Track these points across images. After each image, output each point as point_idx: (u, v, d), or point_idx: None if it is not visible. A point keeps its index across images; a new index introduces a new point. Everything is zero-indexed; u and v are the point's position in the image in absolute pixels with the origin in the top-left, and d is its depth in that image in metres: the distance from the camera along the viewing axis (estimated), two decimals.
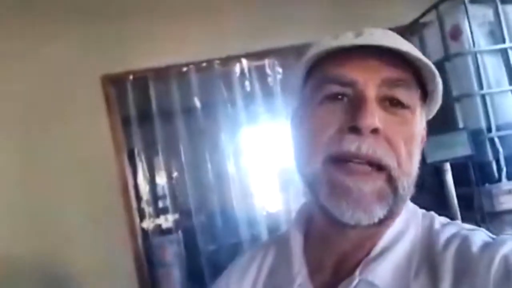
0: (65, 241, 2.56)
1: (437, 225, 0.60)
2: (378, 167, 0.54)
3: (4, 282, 2.27)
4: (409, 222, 0.61)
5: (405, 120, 0.56)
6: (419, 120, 0.58)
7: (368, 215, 0.54)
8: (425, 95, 0.59)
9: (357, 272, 0.57)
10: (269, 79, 2.76)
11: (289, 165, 2.89)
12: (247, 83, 2.75)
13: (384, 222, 0.56)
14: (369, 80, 0.54)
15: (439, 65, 1.83)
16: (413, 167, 0.57)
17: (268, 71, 2.75)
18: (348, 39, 0.56)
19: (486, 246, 0.53)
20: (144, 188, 2.84)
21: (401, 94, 0.55)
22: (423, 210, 0.64)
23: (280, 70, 2.75)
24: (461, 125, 1.88)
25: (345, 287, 0.57)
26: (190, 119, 2.83)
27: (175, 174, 3.16)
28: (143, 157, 2.82)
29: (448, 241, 0.56)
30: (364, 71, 0.55)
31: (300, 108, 0.63)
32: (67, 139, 2.59)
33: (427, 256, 0.56)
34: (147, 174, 2.83)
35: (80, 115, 2.61)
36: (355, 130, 0.53)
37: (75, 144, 2.59)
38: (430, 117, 0.63)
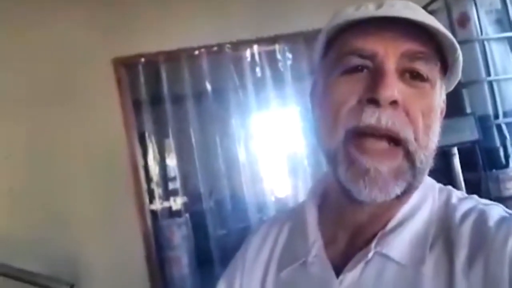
0: (74, 222, 2.60)
1: (454, 200, 0.60)
2: (396, 141, 0.53)
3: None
4: (426, 196, 0.60)
5: (424, 93, 0.55)
6: (439, 93, 0.58)
7: (384, 193, 0.54)
8: (445, 68, 0.58)
9: (372, 245, 0.57)
10: (280, 65, 2.77)
11: (298, 151, 2.91)
12: (257, 68, 2.75)
13: (401, 196, 0.56)
14: (389, 52, 0.54)
15: None
16: (431, 140, 0.56)
17: (278, 56, 2.75)
18: (369, 10, 0.55)
19: (502, 221, 0.53)
20: (154, 170, 2.87)
21: (421, 67, 0.54)
22: (441, 185, 0.64)
23: (290, 55, 2.75)
24: (468, 110, 1.88)
25: (360, 259, 0.57)
26: (200, 103, 2.85)
27: (185, 157, 3.20)
28: (153, 140, 2.85)
29: (465, 215, 0.56)
30: (384, 43, 0.54)
31: (319, 80, 0.62)
32: (79, 122, 2.62)
33: (443, 229, 0.56)
34: (157, 157, 2.86)
35: (91, 97, 2.63)
36: (374, 101, 0.52)
37: (87, 126, 2.62)
38: (450, 89, 0.62)
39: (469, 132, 1.85)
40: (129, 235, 2.68)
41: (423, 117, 0.54)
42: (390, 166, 0.53)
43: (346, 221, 0.61)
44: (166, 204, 2.91)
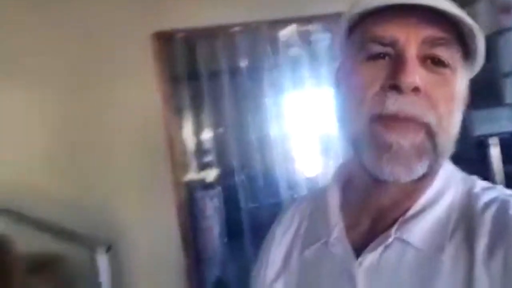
0: (111, 192, 2.73)
1: (477, 189, 0.60)
2: (419, 124, 0.54)
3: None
4: (449, 184, 0.61)
5: (446, 79, 0.55)
6: (460, 80, 0.58)
7: (407, 171, 0.54)
8: (467, 54, 0.58)
9: (392, 230, 0.58)
10: (315, 45, 2.74)
11: (330, 131, 2.91)
12: (292, 48, 2.74)
13: (423, 179, 0.57)
14: (410, 39, 0.54)
15: (490, 40, 1.76)
16: (453, 126, 0.57)
17: (314, 37, 2.72)
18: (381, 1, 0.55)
19: None
20: (189, 143, 2.96)
21: (442, 53, 0.55)
22: (464, 174, 0.64)
23: (326, 36, 2.71)
24: (508, 100, 1.82)
25: (380, 243, 0.58)
26: (235, 79, 2.88)
27: (219, 131, 3.26)
28: (189, 114, 2.91)
29: (487, 204, 0.56)
30: (405, 29, 0.54)
31: (342, 66, 0.63)
32: (117, 96, 2.70)
33: (465, 218, 0.57)
34: (193, 130, 2.93)
35: (130, 72, 2.70)
36: (396, 88, 0.53)
37: (125, 100, 2.70)
38: (472, 76, 0.62)
39: (508, 123, 1.80)
40: (164, 204, 2.78)
41: (446, 103, 0.55)
42: (413, 142, 0.54)
43: (368, 205, 0.62)
44: (200, 176, 3.00)
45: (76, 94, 2.71)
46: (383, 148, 0.54)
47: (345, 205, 0.67)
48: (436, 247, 0.56)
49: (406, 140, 0.54)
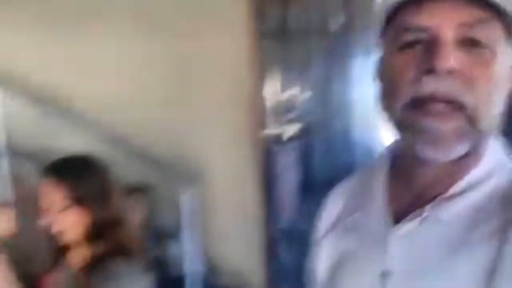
0: (197, 139, 2.88)
1: None
2: (457, 106, 0.55)
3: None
4: (497, 169, 0.61)
5: (484, 59, 0.55)
6: (502, 59, 0.57)
7: (447, 152, 0.56)
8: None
9: (427, 207, 0.60)
10: None
11: None
12: None
13: (466, 159, 0.58)
14: (444, 24, 0.54)
15: None
16: (494, 107, 0.57)
17: None
18: None
19: None
20: (272, 98, 3.00)
21: (479, 34, 0.55)
22: None
23: None
24: None
25: (416, 216, 0.61)
26: (325, 39, 2.85)
27: (303, 89, 3.26)
28: (275, 70, 2.94)
29: None
30: (439, 15, 0.55)
31: (381, 57, 0.65)
32: (206, 50, 2.78)
33: (502, 207, 0.57)
34: (277, 86, 2.96)
35: (219, 26, 2.77)
36: (432, 72, 0.54)
37: (214, 54, 2.78)
38: None
39: None
40: (244, 155, 2.91)
41: (484, 83, 0.55)
42: (451, 126, 0.55)
43: (412, 181, 0.64)
44: (280, 131, 3.05)
45: (166, 44, 2.80)
46: (422, 132, 0.56)
47: (391, 179, 0.69)
48: (468, 227, 0.57)
49: (444, 123, 0.54)
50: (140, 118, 2.84)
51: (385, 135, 2.99)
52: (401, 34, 0.58)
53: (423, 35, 0.56)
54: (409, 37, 0.57)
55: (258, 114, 2.92)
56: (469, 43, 0.55)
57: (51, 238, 1.31)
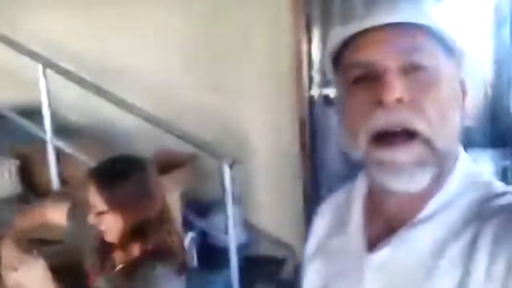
0: (238, 100, 2.87)
1: (492, 194, 0.59)
2: (413, 134, 0.55)
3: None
4: (466, 188, 0.60)
5: (430, 82, 0.56)
6: (448, 77, 0.58)
7: (414, 182, 0.56)
8: (451, 50, 0.59)
9: (397, 233, 0.60)
10: None
11: (478, 53, 2.57)
12: None
13: (434, 183, 0.58)
14: (386, 55, 0.56)
15: None
16: (449, 127, 0.57)
17: None
18: (354, 25, 0.58)
19: None
20: (316, 57, 2.84)
21: (421, 58, 0.56)
22: (487, 178, 0.63)
23: None
24: None
25: (386, 244, 0.61)
26: None
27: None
28: (318, 30, 2.78)
29: (494, 212, 0.55)
30: (380, 47, 0.56)
31: (337, 95, 0.66)
32: (247, 5, 2.72)
33: (472, 225, 0.56)
34: (320, 47, 2.80)
35: None
36: (381, 104, 0.54)
37: (254, 11, 2.72)
38: (463, 67, 0.62)
39: None
40: (287, 117, 2.87)
41: (435, 106, 0.55)
42: (412, 154, 0.55)
43: (384, 206, 0.64)
44: (323, 92, 2.90)
45: (211, 16, 2.83)
46: (386, 167, 0.56)
47: (368, 204, 0.69)
48: (436, 253, 0.56)
49: (403, 153, 0.55)
50: (183, 95, 2.92)
51: None
52: (349, 71, 0.59)
53: (369, 69, 0.57)
54: (357, 72, 0.58)
55: (301, 75, 2.82)
56: (413, 69, 0.56)
57: (97, 236, 1.35)
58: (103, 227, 1.30)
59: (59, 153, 2.57)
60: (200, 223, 2.62)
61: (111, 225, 1.29)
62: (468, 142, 2.30)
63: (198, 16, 2.86)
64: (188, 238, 2.09)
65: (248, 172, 2.88)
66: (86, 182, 1.31)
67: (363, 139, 0.58)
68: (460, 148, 0.64)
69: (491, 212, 0.56)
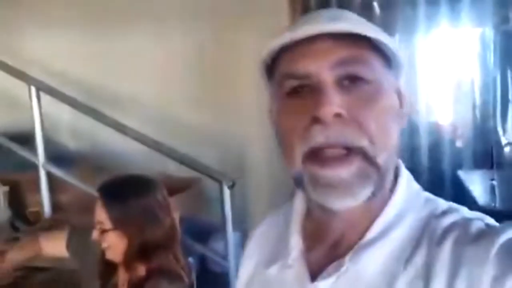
0: (239, 127, 2.89)
1: (438, 212, 0.57)
2: (352, 150, 0.52)
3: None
4: (410, 205, 0.58)
5: (369, 95, 0.53)
6: (387, 90, 0.56)
7: (353, 198, 0.53)
8: (389, 62, 0.57)
9: (346, 258, 0.56)
10: None
11: (466, 78, 2.67)
12: None
13: (374, 201, 0.55)
14: (322, 66, 0.53)
15: None
16: (390, 140, 0.55)
17: None
18: (291, 33, 0.55)
19: (482, 236, 0.51)
20: None
21: (359, 70, 0.53)
22: (428, 194, 0.61)
23: None
24: None
25: (333, 271, 0.56)
26: (366, 14, 2.70)
27: None
28: None
29: (446, 231, 0.54)
30: (316, 58, 0.53)
31: (272, 107, 0.62)
32: (243, 28, 2.77)
33: (423, 246, 0.54)
34: None
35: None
36: (318, 120, 0.51)
37: (251, 33, 2.72)
38: (400, 79, 0.60)
39: None
40: None
41: (376, 119, 0.53)
42: (351, 171, 0.52)
43: (325, 230, 0.61)
44: None
45: (209, 39, 2.86)
46: (324, 184, 0.53)
47: (306, 226, 0.65)
48: (389, 279, 0.53)
49: (343, 171, 0.52)
50: (181, 117, 2.91)
51: (434, 117, 2.85)
52: (283, 82, 0.56)
53: (304, 82, 0.54)
54: (292, 84, 0.55)
55: None
56: (352, 81, 0.53)
57: (100, 257, 1.34)
58: (105, 245, 1.29)
59: (51, 180, 2.51)
60: (200, 248, 2.56)
61: (115, 243, 1.28)
62: (458, 163, 2.35)
63: (197, 39, 2.89)
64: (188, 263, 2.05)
65: (247, 191, 2.86)
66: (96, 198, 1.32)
67: (298, 155, 0.54)
68: (401, 164, 0.62)
69: (442, 231, 0.54)
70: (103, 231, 1.27)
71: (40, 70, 2.73)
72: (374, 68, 0.55)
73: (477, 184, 2.50)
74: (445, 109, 2.79)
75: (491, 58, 2.67)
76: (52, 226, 2.28)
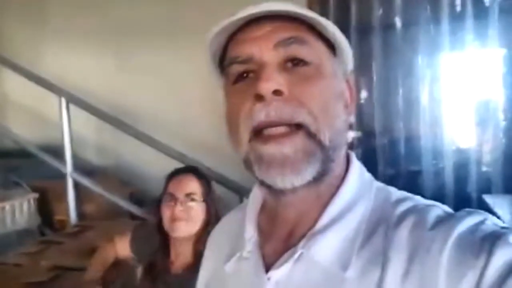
0: None
1: (393, 199, 0.57)
2: (295, 126, 0.53)
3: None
4: (362, 193, 0.58)
5: (310, 75, 0.55)
6: (331, 73, 0.57)
7: (298, 175, 0.53)
8: (335, 49, 0.59)
9: (300, 245, 0.56)
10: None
11: (492, 100, 2.64)
12: (457, 1, 2.49)
13: (323, 184, 0.56)
14: (263, 48, 0.54)
15: None
16: (334, 119, 0.55)
17: None
18: (227, 20, 0.56)
19: (441, 223, 0.51)
20: None
21: (299, 51, 0.55)
22: (380, 183, 0.61)
23: None
24: None
25: (287, 260, 0.56)
26: (387, 37, 2.73)
27: (364, 91, 3.15)
28: None
29: (402, 217, 0.54)
30: (257, 41, 0.55)
31: (223, 99, 0.63)
32: None
33: (377, 232, 0.54)
34: None
35: None
36: (259, 98, 0.53)
37: None
38: (350, 68, 0.62)
39: None
40: None
41: (316, 99, 0.54)
42: (295, 147, 0.53)
43: (279, 219, 0.61)
44: None
45: None
46: (268, 162, 0.53)
47: (261, 219, 0.66)
48: (342, 263, 0.53)
49: (285, 145, 0.52)
50: (203, 133, 2.94)
51: (457, 138, 2.81)
52: (230, 67, 0.58)
53: (249, 66, 0.56)
54: (238, 68, 0.57)
55: None
56: (293, 62, 0.55)
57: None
58: (189, 216, 1.45)
59: (77, 190, 2.60)
60: None
61: (198, 215, 1.47)
62: (486, 187, 2.28)
63: None
64: None
65: None
66: (176, 178, 1.52)
67: (245, 136, 0.55)
68: (352, 154, 0.63)
69: (398, 217, 0.54)
70: (189, 204, 1.45)
71: (65, 86, 2.81)
72: (315, 51, 0.56)
73: (505, 208, 2.43)
74: (470, 131, 2.75)
75: None
76: (78, 232, 2.36)
